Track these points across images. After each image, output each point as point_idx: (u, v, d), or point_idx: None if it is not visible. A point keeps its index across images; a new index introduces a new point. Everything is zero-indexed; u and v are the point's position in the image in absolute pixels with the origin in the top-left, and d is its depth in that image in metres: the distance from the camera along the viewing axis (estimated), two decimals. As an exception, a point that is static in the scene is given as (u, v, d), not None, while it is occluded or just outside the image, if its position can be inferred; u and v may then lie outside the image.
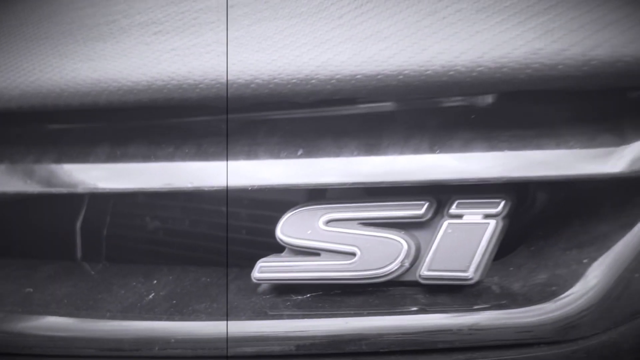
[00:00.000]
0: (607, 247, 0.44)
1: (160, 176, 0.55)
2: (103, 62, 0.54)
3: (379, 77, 0.44)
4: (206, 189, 0.53)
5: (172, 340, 0.50)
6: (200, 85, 0.49)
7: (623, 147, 0.43)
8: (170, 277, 0.58)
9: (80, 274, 0.62)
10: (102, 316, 0.54)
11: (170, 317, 0.52)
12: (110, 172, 0.57)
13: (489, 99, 0.48)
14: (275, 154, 0.52)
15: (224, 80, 0.48)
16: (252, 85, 0.47)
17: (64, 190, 0.58)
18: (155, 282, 0.57)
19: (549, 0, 0.42)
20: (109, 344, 0.52)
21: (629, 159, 0.42)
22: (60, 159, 0.59)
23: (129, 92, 0.52)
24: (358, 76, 0.44)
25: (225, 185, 0.52)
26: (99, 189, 0.57)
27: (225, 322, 0.49)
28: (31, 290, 0.59)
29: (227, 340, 0.48)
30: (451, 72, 0.42)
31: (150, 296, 0.55)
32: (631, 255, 0.43)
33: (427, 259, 0.47)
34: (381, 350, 0.46)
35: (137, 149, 0.57)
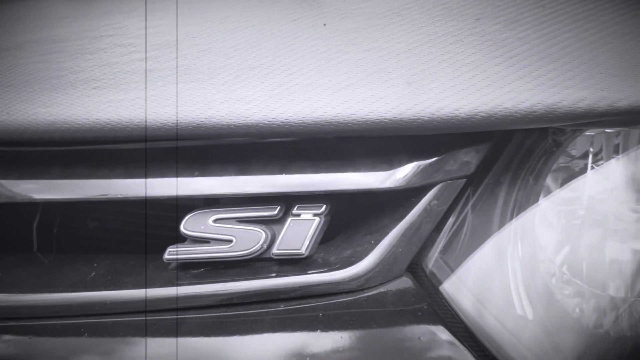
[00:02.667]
0: (386, 233, 0.59)
1: (98, 189, 0.65)
2: (56, 108, 0.65)
3: (258, 126, 0.58)
4: (130, 198, 0.64)
5: (109, 303, 0.61)
6: (127, 128, 0.62)
7: (392, 171, 0.59)
8: (107, 262, 0.68)
9: (37, 262, 0.72)
10: (56, 290, 0.64)
11: (107, 288, 0.63)
12: (61, 186, 0.66)
13: (316, 142, 0.63)
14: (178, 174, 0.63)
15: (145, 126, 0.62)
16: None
17: (25, 199, 0.66)
18: (95, 265, 0.68)
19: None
20: (62, 309, 0.63)
21: (396, 179, 0.59)
22: (21, 177, 0.67)
23: (76, 132, 0.63)
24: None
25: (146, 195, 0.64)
26: (51, 198, 0.66)
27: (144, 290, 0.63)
28: (0, 274, 0.69)
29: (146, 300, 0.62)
30: (301, 126, 0.57)
31: (92, 274, 0.66)
32: (398, 237, 0.59)
33: (277, 242, 0.60)
34: (246, 301, 0.59)
35: (81, 170, 0.66)
